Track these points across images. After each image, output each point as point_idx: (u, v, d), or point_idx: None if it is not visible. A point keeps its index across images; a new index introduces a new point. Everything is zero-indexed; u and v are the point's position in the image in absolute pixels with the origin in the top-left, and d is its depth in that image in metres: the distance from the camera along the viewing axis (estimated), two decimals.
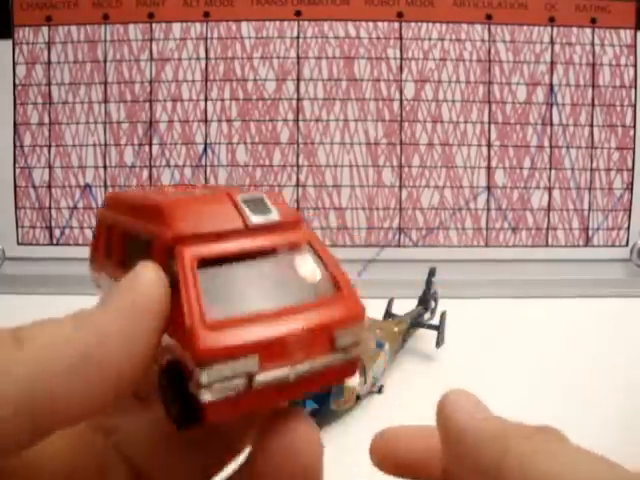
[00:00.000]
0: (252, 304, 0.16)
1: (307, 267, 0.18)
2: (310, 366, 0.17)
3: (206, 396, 0.15)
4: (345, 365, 0.18)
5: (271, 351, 0.16)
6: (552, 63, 0.71)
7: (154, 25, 0.70)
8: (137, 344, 0.15)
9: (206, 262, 0.16)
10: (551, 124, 0.71)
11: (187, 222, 0.17)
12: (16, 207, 0.71)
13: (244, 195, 0.18)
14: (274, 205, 0.18)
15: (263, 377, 0.16)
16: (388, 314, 0.58)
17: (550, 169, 0.72)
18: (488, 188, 0.72)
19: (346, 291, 0.18)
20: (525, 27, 0.71)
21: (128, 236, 0.19)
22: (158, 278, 0.16)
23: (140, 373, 0.15)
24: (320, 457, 0.16)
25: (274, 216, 0.18)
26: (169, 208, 0.17)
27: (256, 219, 0.18)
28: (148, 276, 0.16)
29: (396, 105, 0.71)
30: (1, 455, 0.13)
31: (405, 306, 0.58)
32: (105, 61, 0.71)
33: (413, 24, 0.70)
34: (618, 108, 0.71)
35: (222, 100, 0.71)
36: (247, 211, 0.18)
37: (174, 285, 0.16)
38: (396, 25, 0.70)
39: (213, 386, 0.15)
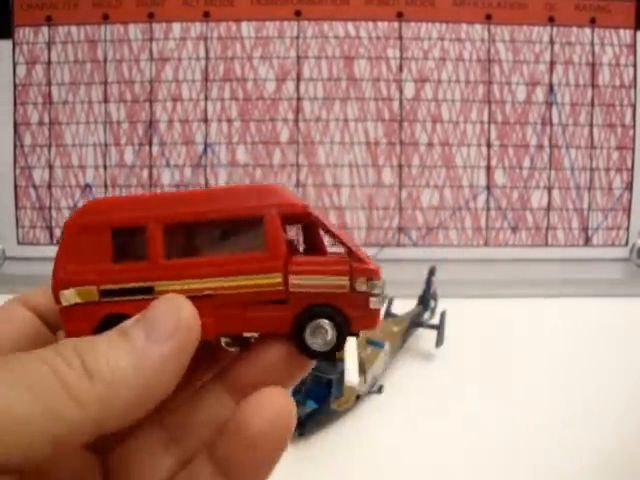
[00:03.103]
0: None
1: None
2: None
3: (377, 304, 0.22)
4: None
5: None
6: (552, 63, 0.71)
7: (154, 25, 0.70)
8: (182, 370, 0.18)
9: None
10: (551, 124, 0.71)
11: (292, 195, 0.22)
12: (16, 207, 0.71)
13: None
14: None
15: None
16: (388, 314, 0.58)
17: (550, 169, 0.72)
18: (488, 188, 0.72)
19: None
20: (525, 27, 0.71)
21: (196, 225, 0.22)
22: (195, 310, 0.19)
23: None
24: (289, 429, 0.20)
25: None
26: (275, 187, 0.22)
27: None
28: (190, 310, 0.19)
29: (396, 105, 0.71)
30: (61, 447, 0.16)
31: (405, 306, 0.59)
32: (105, 61, 0.71)
33: (413, 24, 0.70)
34: (618, 108, 0.71)
35: (222, 100, 0.71)
36: None
37: (298, 239, 0.23)
38: (396, 25, 0.70)
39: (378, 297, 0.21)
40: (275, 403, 0.19)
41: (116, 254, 0.22)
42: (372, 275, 0.21)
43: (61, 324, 0.22)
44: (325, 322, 0.21)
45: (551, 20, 0.71)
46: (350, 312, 0.21)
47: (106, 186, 0.71)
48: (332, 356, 0.22)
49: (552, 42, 0.71)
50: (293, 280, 0.21)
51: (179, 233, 0.22)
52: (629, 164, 0.72)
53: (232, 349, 0.24)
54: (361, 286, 0.21)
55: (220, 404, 0.21)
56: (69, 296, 0.22)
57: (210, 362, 0.23)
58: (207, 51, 0.70)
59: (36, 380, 0.16)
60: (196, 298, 0.21)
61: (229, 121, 0.71)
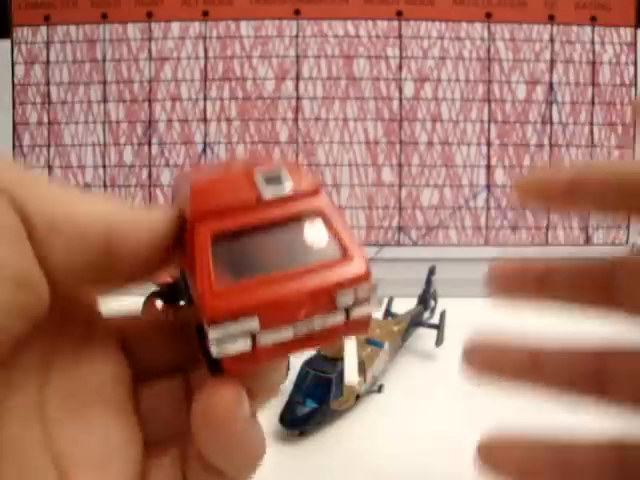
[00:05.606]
0: (259, 270, 0.18)
1: (314, 234, 0.20)
2: (310, 325, 0.18)
3: (214, 350, 0.17)
4: (350, 324, 0.19)
5: (272, 312, 0.18)
6: (552, 61, 0.71)
7: (153, 24, 0.70)
8: (170, 230, 0.20)
9: (225, 236, 0.18)
10: (551, 122, 0.71)
11: (205, 201, 0.19)
12: None
13: (262, 169, 0.20)
14: (291, 176, 0.20)
15: (265, 337, 0.18)
16: (388, 313, 0.58)
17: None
18: (488, 187, 0.72)
19: (353, 254, 0.20)
20: (525, 25, 0.70)
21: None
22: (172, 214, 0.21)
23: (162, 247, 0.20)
24: (232, 413, 0.18)
25: (286, 188, 0.20)
26: (192, 190, 0.19)
27: (269, 193, 0.19)
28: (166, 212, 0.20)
29: (395, 104, 0.71)
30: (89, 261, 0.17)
31: (405, 305, 0.58)
32: (104, 60, 0.70)
33: (412, 22, 0.70)
34: (618, 106, 0.71)
35: (221, 99, 0.71)
36: (262, 186, 0.19)
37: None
38: (395, 23, 0.70)
39: (221, 342, 0.17)
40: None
41: None
42: (207, 318, 0.17)
43: None
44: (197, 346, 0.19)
45: (551, 18, 0.70)
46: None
47: (105, 186, 0.71)
48: (214, 373, 0.19)
49: (552, 40, 0.71)
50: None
51: None
52: None
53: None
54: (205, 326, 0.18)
55: None
56: None
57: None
58: (206, 50, 0.70)
59: None
60: None
61: (228, 120, 0.71)
